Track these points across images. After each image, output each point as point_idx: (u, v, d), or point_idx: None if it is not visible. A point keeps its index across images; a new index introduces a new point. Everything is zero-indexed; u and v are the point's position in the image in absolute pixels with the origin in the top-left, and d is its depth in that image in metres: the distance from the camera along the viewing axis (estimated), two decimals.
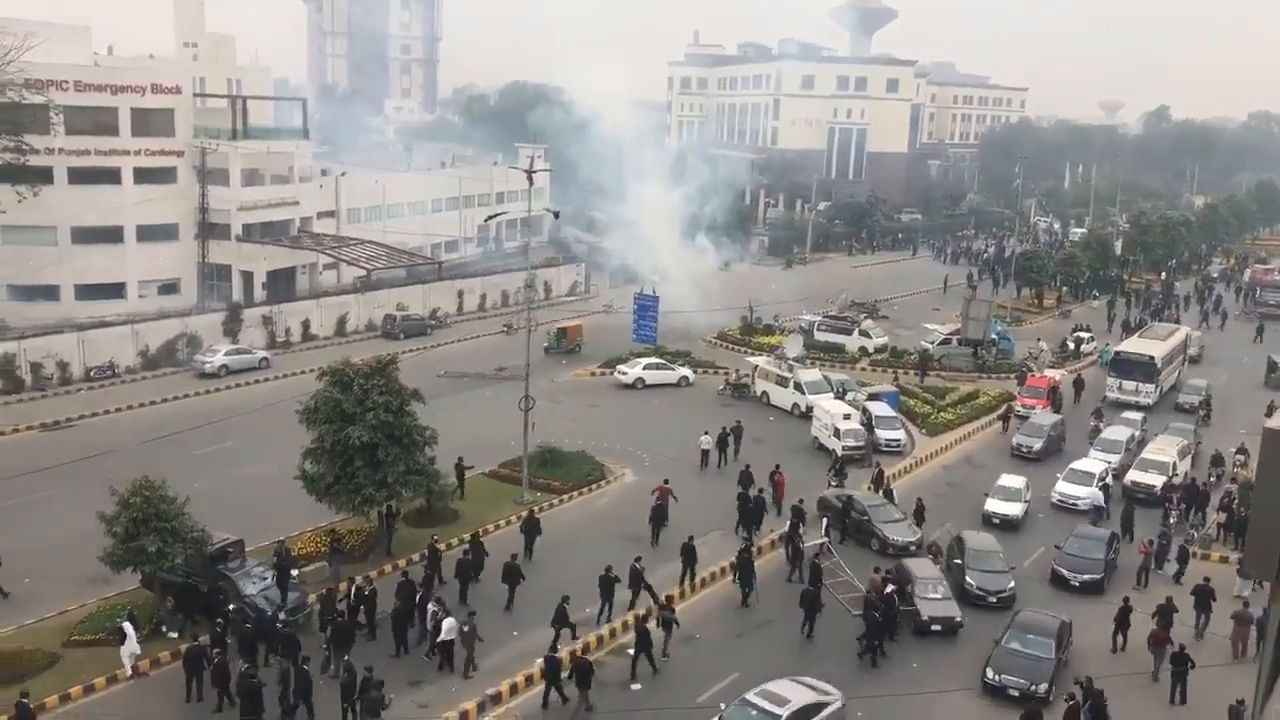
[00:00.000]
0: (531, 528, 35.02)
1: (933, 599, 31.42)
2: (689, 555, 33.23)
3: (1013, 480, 40.86)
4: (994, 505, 39.51)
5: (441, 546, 33.66)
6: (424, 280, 73.03)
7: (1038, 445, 46.64)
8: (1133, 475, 42.26)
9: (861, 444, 45.56)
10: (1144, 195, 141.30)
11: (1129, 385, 54.34)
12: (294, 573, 31.22)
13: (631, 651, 28.32)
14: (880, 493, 40.16)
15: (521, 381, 40.46)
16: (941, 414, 51.74)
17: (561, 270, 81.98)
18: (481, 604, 30.34)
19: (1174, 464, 42.79)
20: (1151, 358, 54.76)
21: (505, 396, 46.85)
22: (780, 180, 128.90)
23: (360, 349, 50.63)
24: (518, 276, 71.46)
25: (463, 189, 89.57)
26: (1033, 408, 52.64)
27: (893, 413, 49.58)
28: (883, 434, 47.23)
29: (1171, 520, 38.50)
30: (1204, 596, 31.27)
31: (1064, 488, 41.32)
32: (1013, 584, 32.97)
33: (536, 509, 37.22)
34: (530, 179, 44.99)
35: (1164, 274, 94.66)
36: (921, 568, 32.88)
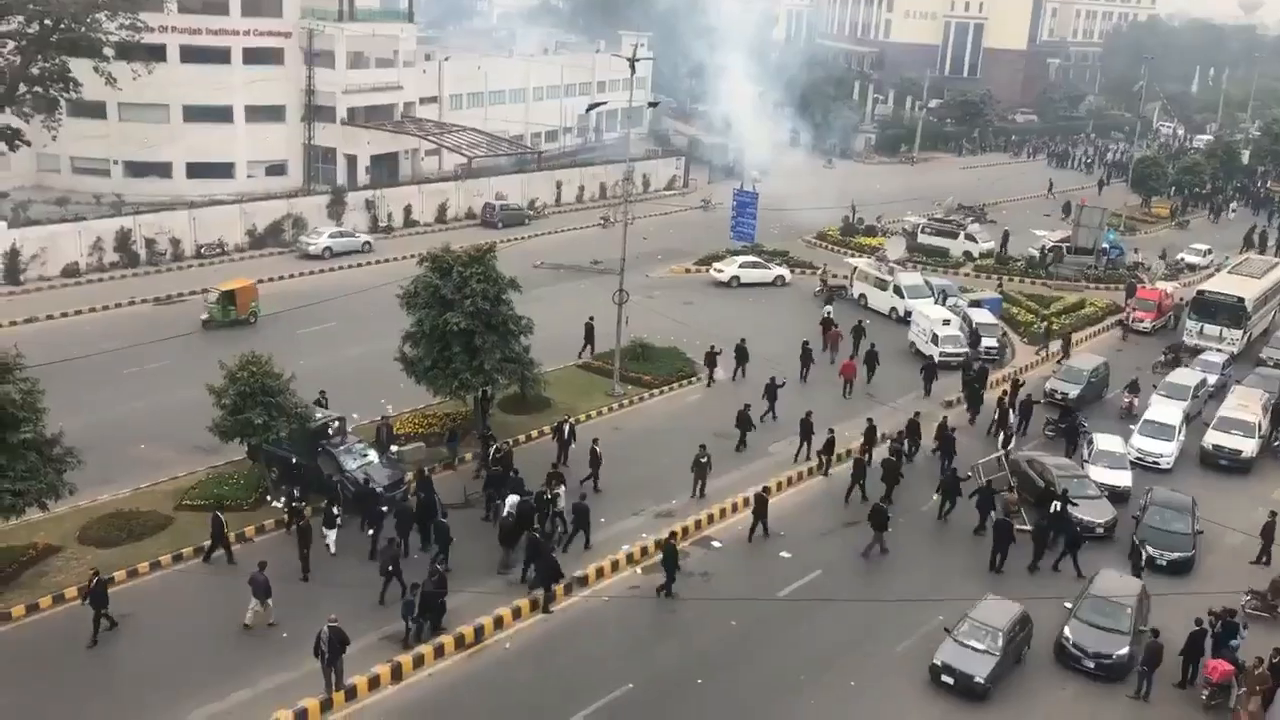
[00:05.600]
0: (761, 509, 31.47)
1: (968, 647, 24.05)
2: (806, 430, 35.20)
3: (1112, 442, 35.56)
4: (1100, 474, 33.87)
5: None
6: (523, 170, 73.01)
7: (1074, 391, 40.90)
8: (1212, 437, 37.09)
9: (960, 351, 44.71)
10: None
11: (1211, 330, 47.15)
12: (393, 449, 32.23)
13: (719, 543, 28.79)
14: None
15: (616, 275, 40.49)
16: (1045, 323, 50.45)
17: (660, 164, 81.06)
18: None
19: (1260, 424, 37.86)
20: (1240, 299, 47.15)
21: (600, 290, 46.94)
22: (891, 75, 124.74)
23: (459, 237, 50.87)
24: (616, 169, 70.90)
25: (564, 77, 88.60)
26: (1143, 320, 51.05)
27: (994, 320, 48.46)
28: (981, 341, 46.31)
29: None
30: None
31: (1142, 443, 36.59)
32: (1126, 649, 24.83)
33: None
34: (633, 68, 44.10)
35: None
36: (988, 612, 25.16)
